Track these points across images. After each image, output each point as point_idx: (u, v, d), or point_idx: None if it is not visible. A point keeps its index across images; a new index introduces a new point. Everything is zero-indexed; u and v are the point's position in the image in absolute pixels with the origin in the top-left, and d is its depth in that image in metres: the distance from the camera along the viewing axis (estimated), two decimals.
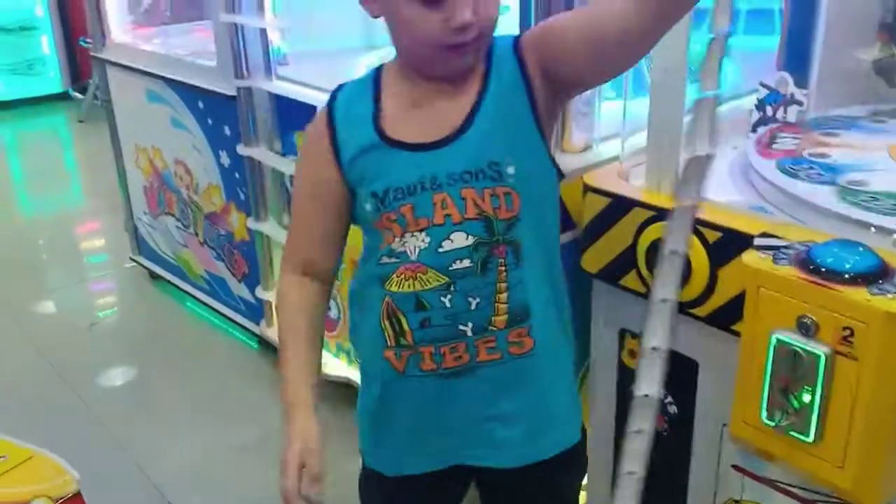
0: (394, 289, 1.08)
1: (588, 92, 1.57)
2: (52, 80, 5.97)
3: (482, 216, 1.05)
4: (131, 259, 3.21)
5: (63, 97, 5.96)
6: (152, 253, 3.12)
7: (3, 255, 3.47)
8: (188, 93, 2.50)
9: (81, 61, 5.91)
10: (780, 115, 1.65)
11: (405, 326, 1.09)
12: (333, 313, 2.31)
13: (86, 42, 5.54)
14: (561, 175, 1.21)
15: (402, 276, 1.07)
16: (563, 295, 1.21)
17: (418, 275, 1.06)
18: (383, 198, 1.06)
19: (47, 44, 5.88)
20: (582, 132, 1.59)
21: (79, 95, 5.84)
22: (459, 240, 1.05)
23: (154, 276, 3.14)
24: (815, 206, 1.29)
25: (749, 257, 1.18)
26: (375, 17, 1.05)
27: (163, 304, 3.03)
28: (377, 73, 1.13)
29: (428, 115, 1.06)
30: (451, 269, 1.06)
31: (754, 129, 1.66)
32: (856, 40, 1.81)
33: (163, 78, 2.56)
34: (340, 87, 1.15)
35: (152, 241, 3.09)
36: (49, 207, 4.18)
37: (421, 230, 1.05)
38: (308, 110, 2.12)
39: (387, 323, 1.10)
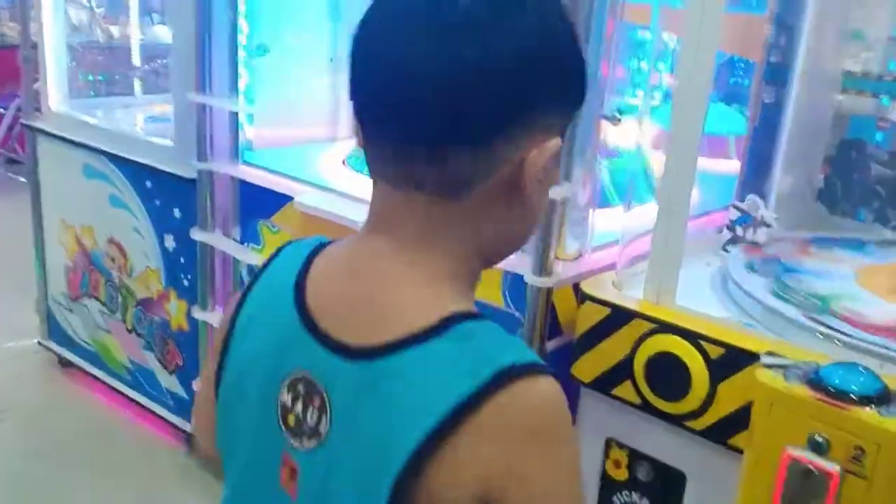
0: None
1: (583, 199, 1.63)
2: None
3: None
4: (39, 343, 2.94)
5: None
6: (65, 338, 2.88)
7: None
8: (135, 171, 2.39)
9: None
10: (749, 235, 1.76)
11: None
12: None
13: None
14: None
15: None
16: None
17: None
18: None
19: None
20: (575, 239, 1.63)
21: None
22: None
23: (64, 364, 2.88)
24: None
25: (762, 375, 1.22)
26: (524, 193, 0.68)
27: (75, 395, 2.77)
28: None
29: None
30: None
31: (725, 249, 1.76)
32: (808, 168, 1.99)
33: (105, 153, 2.44)
34: None
35: (67, 324, 2.85)
36: None
37: None
38: (273, 198, 2.08)
39: None
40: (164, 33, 3.54)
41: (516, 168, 0.66)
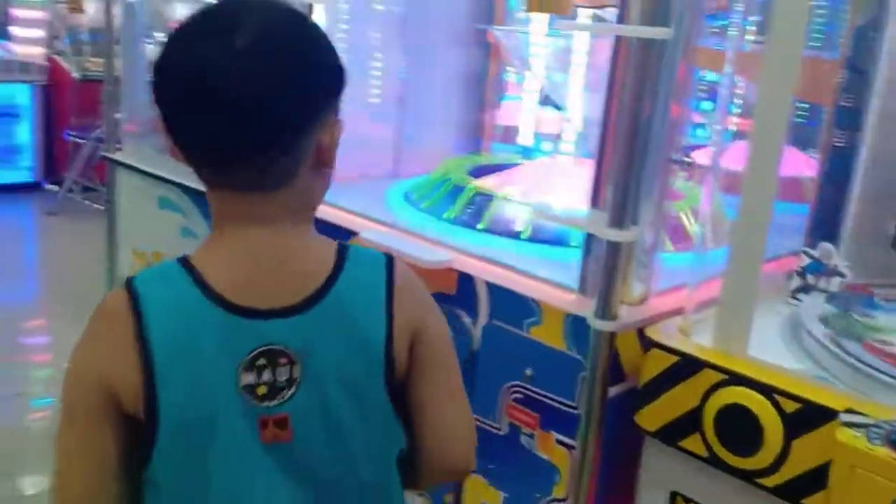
0: None
1: (649, 242, 1.60)
2: (26, 169, 5.85)
3: None
4: None
5: (34, 188, 5.82)
6: None
7: None
8: (206, 203, 2.45)
9: (59, 154, 5.83)
10: (822, 284, 1.69)
11: None
12: None
13: (72, 135, 5.51)
14: None
15: None
16: None
17: None
18: None
19: (26, 133, 5.81)
20: (641, 283, 1.60)
21: (53, 188, 5.72)
22: None
23: None
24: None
25: (843, 435, 1.16)
26: None
27: None
28: None
29: None
30: None
31: (794, 296, 1.70)
32: (881, 215, 1.91)
33: (181, 186, 2.52)
34: None
35: None
36: None
37: None
38: (339, 234, 2.10)
39: None
40: None
41: (316, 149, 0.89)
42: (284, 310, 0.88)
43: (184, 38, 0.86)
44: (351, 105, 2.41)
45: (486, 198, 2.04)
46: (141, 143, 2.85)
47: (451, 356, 1.03)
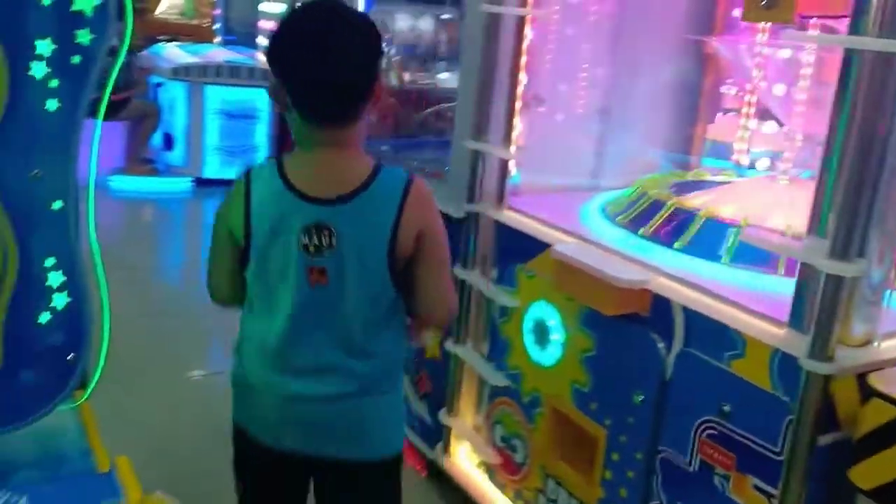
0: None
1: (876, 277, 1.43)
2: None
3: None
4: None
5: None
6: None
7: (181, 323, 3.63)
8: None
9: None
10: None
11: None
12: (519, 457, 2.19)
13: None
14: None
15: None
16: None
17: None
18: None
19: (260, 133, 6.43)
20: (864, 323, 1.43)
21: None
22: None
23: None
24: None
25: None
26: None
27: None
28: None
29: None
30: None
31: None
32: None
33: None
34: None
35: None
36: None
37: None
38: (532, 243, 2.11)
39: None
40: (447, 80, 3.79)
41: (374, 98, 1.40)
42: (331, 201, 1.37)
43: (300, 18, 1.37)
44: (553, 114, 2.45)
45: (688, 216, 1.93)
46: None
47: (443, 252, 1.47)
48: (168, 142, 6.22)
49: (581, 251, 1.89)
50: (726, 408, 1.53)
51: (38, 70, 1.33)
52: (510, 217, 2.23)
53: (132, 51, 5.16)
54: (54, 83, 1.35)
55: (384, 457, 1.52)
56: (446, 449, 2.49)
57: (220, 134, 6.17)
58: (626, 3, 2.44)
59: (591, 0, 2.42)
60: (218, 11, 7.93)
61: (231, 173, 5.83)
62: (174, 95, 6.06)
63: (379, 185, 1.37)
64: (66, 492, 1.47)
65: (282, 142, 6.44)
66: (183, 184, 6.06)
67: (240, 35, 7.32)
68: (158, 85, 6.19)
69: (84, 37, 1.36)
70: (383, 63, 1.39)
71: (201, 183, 6.01)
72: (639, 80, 2.49)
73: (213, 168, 6.13)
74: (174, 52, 6.41)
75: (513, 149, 2.21)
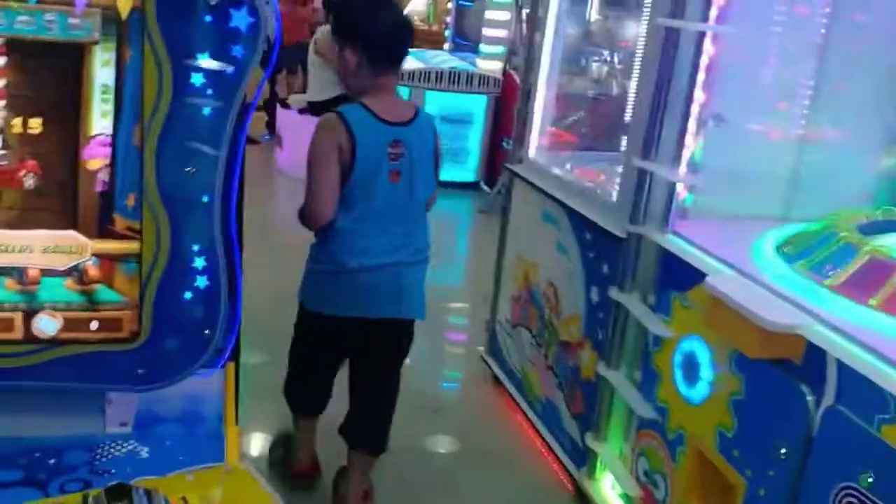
0: None
1: None
2: (469, 169, 6.71)
3: None
4: (482, 358, 3.34)
5: (473, 186, 6.64)
6: (501, 359, 3.22)
7: None
8: (579, 223, 2.55)
9: (497, 158, 6.53)
10: None
11: None
12: (660, 494, 2.09)
13: (507, 143, 6.14)
14: None
15: None
16: None
17: None
18: None
19: (474, 138, 6.65)
20: None
21: (486, 188, 6.46)
22: None
23: (497, 381, 3.22)
24: None
25: None
26: None
27: (501, 411, 3.07)
28: None
29: None
30: None
31: None
32: None
33: (560, 202, 2.65)
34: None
35: (505, 348, 3.18)
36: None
37: None
38: (691, 272, 1.98)
39: None
40: None
41: None
42: (401, 123, 2.07)
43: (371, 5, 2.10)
44: (742, 135, 2.28)
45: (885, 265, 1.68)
46: (536, 158, 3.06)
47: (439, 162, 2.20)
48: None
49: (735, 287, 1.76)
50: (868, 477, 1.35)
51: (197, 79, 1.53)
52: (672, 242, 2.12)
53: None
54: (210, 91, 1.54)
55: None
56: (591, 473, 2.44)
57: None
58: (834, 28, 2.21)
59: (794, 24, 2.22)
60: (450, 18, 8.34)
61: (445, 175, 6.12)
62: None
63: (422, 115, 2.13)
64: (181, 449, 1.68)
65: (493, 149, 6.63)
66: None
67: (471, 42, 7.64)
68: None
69: (237, 51, 1.54)
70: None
71: None
72: (845, 104, 2.25)
73: None
74: None
75: (683, 170, 2.10)
